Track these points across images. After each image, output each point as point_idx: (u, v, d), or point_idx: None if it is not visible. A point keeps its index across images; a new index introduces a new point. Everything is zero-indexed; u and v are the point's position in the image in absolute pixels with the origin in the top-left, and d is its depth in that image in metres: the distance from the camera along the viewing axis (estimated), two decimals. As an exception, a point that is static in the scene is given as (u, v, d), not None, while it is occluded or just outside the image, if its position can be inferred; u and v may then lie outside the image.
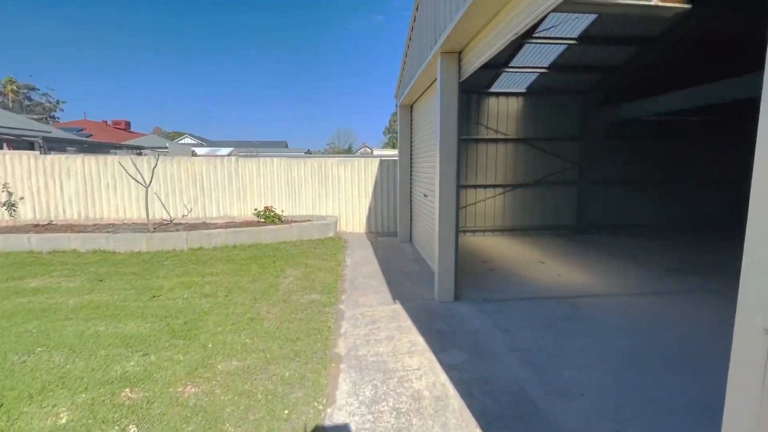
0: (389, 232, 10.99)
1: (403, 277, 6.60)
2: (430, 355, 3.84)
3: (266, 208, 10.13)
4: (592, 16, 6.80)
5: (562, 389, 3.23)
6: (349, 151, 56.92)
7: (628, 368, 3.55)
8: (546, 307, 5.08)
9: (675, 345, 4.01)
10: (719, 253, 8.10)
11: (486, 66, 8.63)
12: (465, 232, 10.15)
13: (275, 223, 9.66)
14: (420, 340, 4.17)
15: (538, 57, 8.38)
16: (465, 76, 4.84)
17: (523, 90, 9.74)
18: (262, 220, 9.94)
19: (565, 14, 6.80)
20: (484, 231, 10.22)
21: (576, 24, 7.19)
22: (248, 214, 10.76)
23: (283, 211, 10.73)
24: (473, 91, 9.63)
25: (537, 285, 6.03)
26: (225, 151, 30.50)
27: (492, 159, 10.03)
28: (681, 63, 8.62)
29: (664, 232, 10.39)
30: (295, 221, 10.12)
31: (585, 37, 7.58)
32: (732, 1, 6.41)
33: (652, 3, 4.97)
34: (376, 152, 42.12)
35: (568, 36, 7.56)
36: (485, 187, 10.08)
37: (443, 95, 5.01)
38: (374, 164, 11.02)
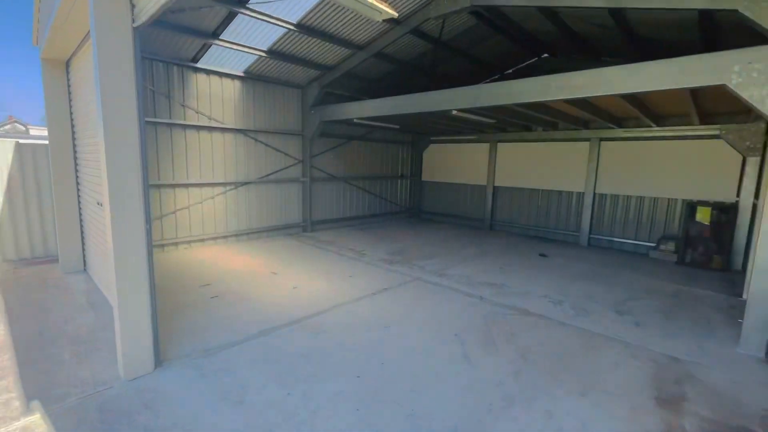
0: (47, 257, 7.10)
1: (60, 343, 3.97)
2: None
3: None
4: (314, 1, 6.30)
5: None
6: (-19, 127, 37.08)
7: (377, 412, 3.07)
8: (286, 340, 4.13)
9: (409, 363, 3.97)
10: (401, 241, 9.85)
11: (187, 29, 6.73)
12: (177, 244, 7.90)
13: None
14: (75, 493, 2.22)
15: (255, 36, 7.24)
16: (143, 18, 3.02)
17: (240, 73, 8.40)
18: None
19: (282, -10, 5.96)
20: (204, 240, 8.30)
21: (297, 8, 6.52)
22: None
23: None
24: (175, 62, 7.41)
25: (273, 308, 5.02)
26: None
27: (208, 151, 8.20)
28: (379, 73, 9.77)
29: (371, 222, 11.92)
30: None
31: (304, 26, 7.08)
32: (417, 31, 7.51)
33: (368, 0, 4.86)
34: (34, 131, 29.47)
35: (287, 20, 6.82)
36: (201, 185, 8.14)
37: (103, 44, 2.98)
38: (4, 149, 6.73)
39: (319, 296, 5.51)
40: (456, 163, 12.50)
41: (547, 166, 10.39)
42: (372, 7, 5.02)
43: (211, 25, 6.75)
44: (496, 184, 11.48)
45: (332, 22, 7.11)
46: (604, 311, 5.27)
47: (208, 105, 8.06)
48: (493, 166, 11.46)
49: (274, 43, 7.58)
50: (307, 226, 10.08)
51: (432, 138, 13.00)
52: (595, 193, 9.55)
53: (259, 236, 9.25)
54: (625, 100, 5.91)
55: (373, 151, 11.99)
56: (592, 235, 9.70)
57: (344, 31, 7.45)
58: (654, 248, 8.56)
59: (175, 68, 7.49)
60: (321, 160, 10.45)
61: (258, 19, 6.53)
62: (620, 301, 5.71)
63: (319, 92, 9.30)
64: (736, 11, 4.05)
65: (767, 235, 4.00)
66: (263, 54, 7.77)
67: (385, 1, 6.46)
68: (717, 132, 7.78)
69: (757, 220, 5.93)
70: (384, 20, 6.76)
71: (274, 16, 6.64)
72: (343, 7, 6.46)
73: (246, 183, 8.86)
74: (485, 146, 11.62)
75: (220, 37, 7.07)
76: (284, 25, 6.84)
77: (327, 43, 7.76)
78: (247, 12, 6.31)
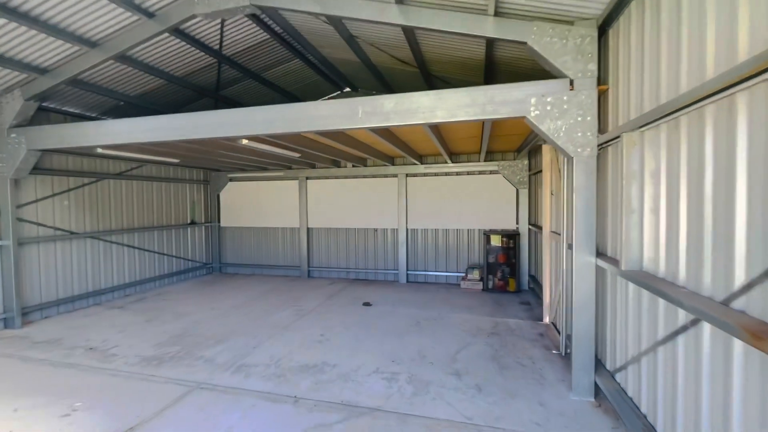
0: None
1: None
2: None
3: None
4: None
5: None
6: None
7: None
8: None
9: None
10: (186, 316, 7.35)
11: None
12: None
13: None
14: None
15: None
16: None
17: None
18: None
19: None
20: None
21: None
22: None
23: None
24: None
25: None
26: None
27: None
28: (139, 88, 7.17)
29: (147, 291, 8.64)
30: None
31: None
32: (184, 35, 5.55)
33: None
34: None
35: None
36: None
37: None
38: None
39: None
40: (262, 204, 10.64)
41: (360, 203, 9.79)
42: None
43: None
44: (310, 226, 10.20)
45: (22, -8, 4.39)
46: (442, 378, 4.38)
47: None
48: (305, 206, 10.16)
49: None
50: (14, 319, 6.16)
51: (230, 176, 10.80)
52: (407, 229, 9.41)
53: None
54: (430, 130, 5.53)
55: (145, 192, 8.88)
56: (409, 272, 9.47)
57: (53, 13, 4.78)
58: (463, 278, 8.83)
59: None
60: (43, 211, 6.80)
61: None
62: (452, 354, 5.03)
63: (24, 106, 5.96)
64: (525, 43, 3.95)
65: (580, 271, 3.85)
66: None
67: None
68: (496, 167, 8.71)
69: (566, 256, 6.33)
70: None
71: None
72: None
73: None
74: (294, 183, 10.26)
75: None
76: None
77: (23, 27, 4.86)
78: None
